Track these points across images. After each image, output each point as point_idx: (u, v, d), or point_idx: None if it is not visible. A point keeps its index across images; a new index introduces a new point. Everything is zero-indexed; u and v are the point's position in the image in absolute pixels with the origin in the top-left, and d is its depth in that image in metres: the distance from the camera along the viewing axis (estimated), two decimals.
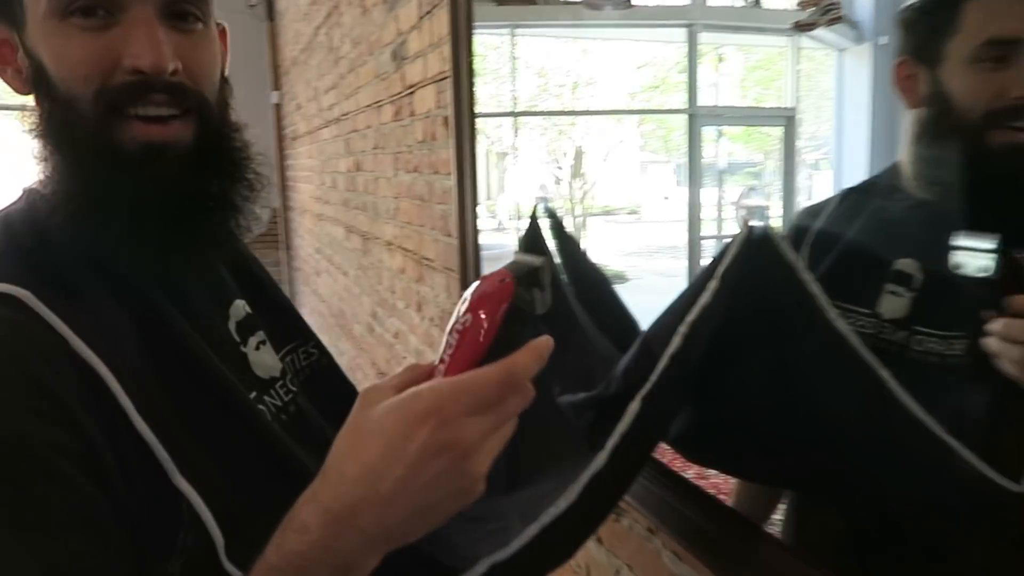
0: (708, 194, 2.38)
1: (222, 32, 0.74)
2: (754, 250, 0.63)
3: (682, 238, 2.26)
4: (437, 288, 2.17)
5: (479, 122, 1.81)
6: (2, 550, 0.49)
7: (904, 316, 0.81)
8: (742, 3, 2.29)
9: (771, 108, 2.16)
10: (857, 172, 1.14)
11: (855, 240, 0.87)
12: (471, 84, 1.75)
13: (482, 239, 1.85)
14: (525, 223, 1.12)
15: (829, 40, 1.32)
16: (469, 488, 0.50)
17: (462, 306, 0.54)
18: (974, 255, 0.68)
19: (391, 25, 2.44)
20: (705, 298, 0.63)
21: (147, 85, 0.63)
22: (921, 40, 0.80)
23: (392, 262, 2.72)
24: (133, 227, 0.64)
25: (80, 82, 0.63)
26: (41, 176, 0.67)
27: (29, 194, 0.68)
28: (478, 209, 1.83)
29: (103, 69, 0.63)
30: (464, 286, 1.84)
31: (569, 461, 0.77)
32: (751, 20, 2.20)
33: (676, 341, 0.63)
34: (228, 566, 0.58)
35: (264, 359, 0.77)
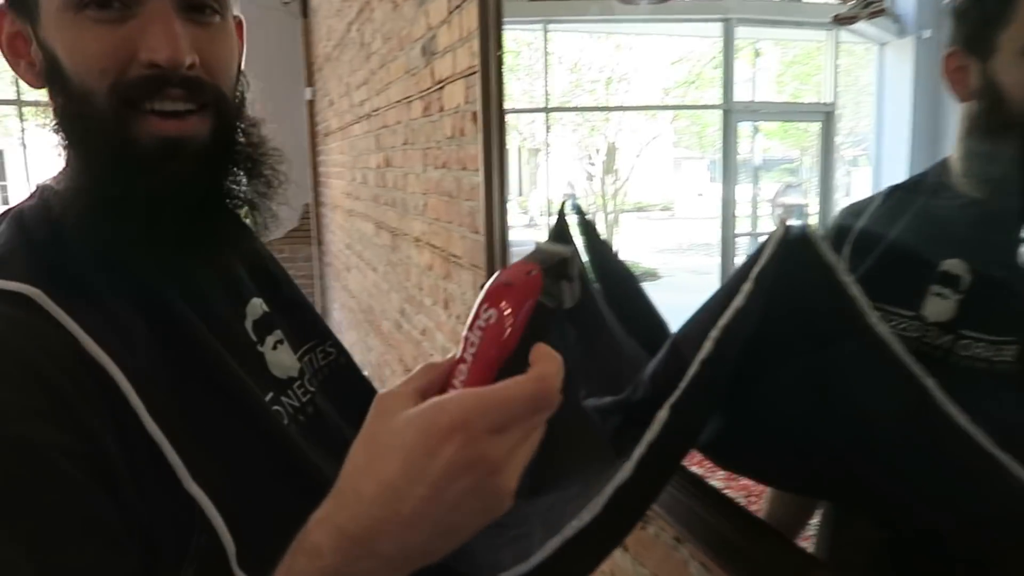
0: (743, 191, 2.34)
1: (238, 25, 0.72)
2: (791, 250, 0.60)
3: (715, 235, 2.24)
4: (464, 285, 2.15)
5: (511, 118, 1.79)
6: (2, 555, 0.47)
7: (950, 319, 0.77)
8: None
9: (809, 103, 2.13)
10: (897, 169, 1.15)
11: (899, 239, 0.83)
12: (500, 79, 1.72)
13: (513, 235, 1.83)
14: (556, 220, 1.09)
15: (870, 34, 1.31)
16: (496, 506, 0.46)
17: (484, 301, 0.49)
18: None
19: (421, 20, 2.42)
20: (739, 301, 0.60)
21: (163, 79, 0.61)
22: (972, 31, 0.77)
23: (420, 258, 2.71)
24: (148, 224, 0.63)
25: (95, 76, 0.61)
26: (55, 172, 0.66)
27: (43, 190, 0.67)
28: (508, 205, 1.81)
29: (119, 63, 0.61)
30: None
31: (594, 466, 0.74)
32: (789, 14, 2.16)
33: (708, 346, 0.60)
34: (240, 574, 0.57)
35: (281, 359, 0.75)
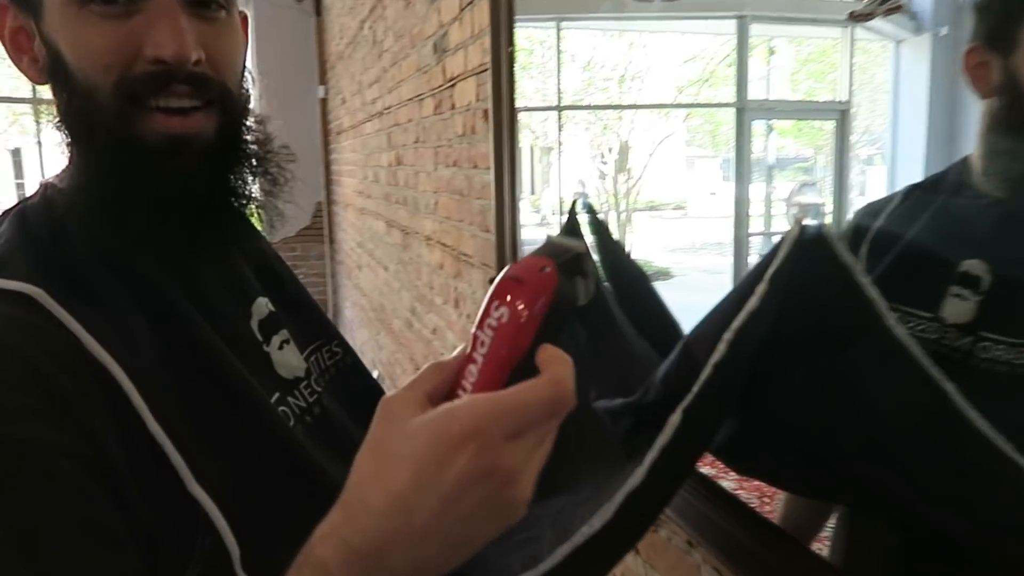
0: (756, 190, 2.32)
1: (243, 20, 0.71)
2: (806, 251, 0.58)
3: (728, 234, 2.21)
4: (475, 284, 2.14)
5: (524, 116, 1.78)
6: (1, 560, 0.47)
7: (969, 321, 0.76)
8: None
9: (824, 102, 2.11)
10: (913, 168, 1.14)
11: (918, 239, 0.82)
12: (511, 76, 1.71)
13: (525, 234, 1.82)
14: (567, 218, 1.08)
15: (886, 31, 1.29)
16: (511, 515, 0.44)
17: (495, 297, 0.46)
18: None
19: (433, 17, 2.41)
20: (753, 303, 0.58)
21: (169, 75, 0.61)
22: (994, 26, 0.75)
23: (431, 257, 2.71)
24: (153, 223, 0.62)
25: (100, 72, 0.60)
26: (59, 170, 0.65)
27: (46, 188, 0.66)
28: (520, 204, 1.80)
29: (123, 58, 0.60)
30: None
31: (605, 469, 0.73)
32: (805, 11, 2.14)
33: (721, 348, 0.59)
34: None
35: (288, 359, 0.74)
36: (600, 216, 1.08)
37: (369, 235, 4.36)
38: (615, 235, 1.07)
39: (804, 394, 0.69)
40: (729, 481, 1.02)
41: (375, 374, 4.18)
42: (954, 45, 1.05)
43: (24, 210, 0.65)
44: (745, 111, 2.43)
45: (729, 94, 2.63)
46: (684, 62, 3.15)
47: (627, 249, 1.10)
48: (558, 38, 2.93)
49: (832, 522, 1.00)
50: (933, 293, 0.78)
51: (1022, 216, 0.73)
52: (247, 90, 0.69)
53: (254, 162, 0.69)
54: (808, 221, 0.57)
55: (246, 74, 0.69)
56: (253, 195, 0.69)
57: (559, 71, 2.97)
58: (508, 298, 0.45)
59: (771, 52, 2.53)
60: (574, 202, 1.08)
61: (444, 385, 0.47)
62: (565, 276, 0.47)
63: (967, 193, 0.79)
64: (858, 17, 1.39)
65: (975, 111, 0.78)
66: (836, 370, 0.65)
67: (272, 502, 0.61)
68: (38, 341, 0.54)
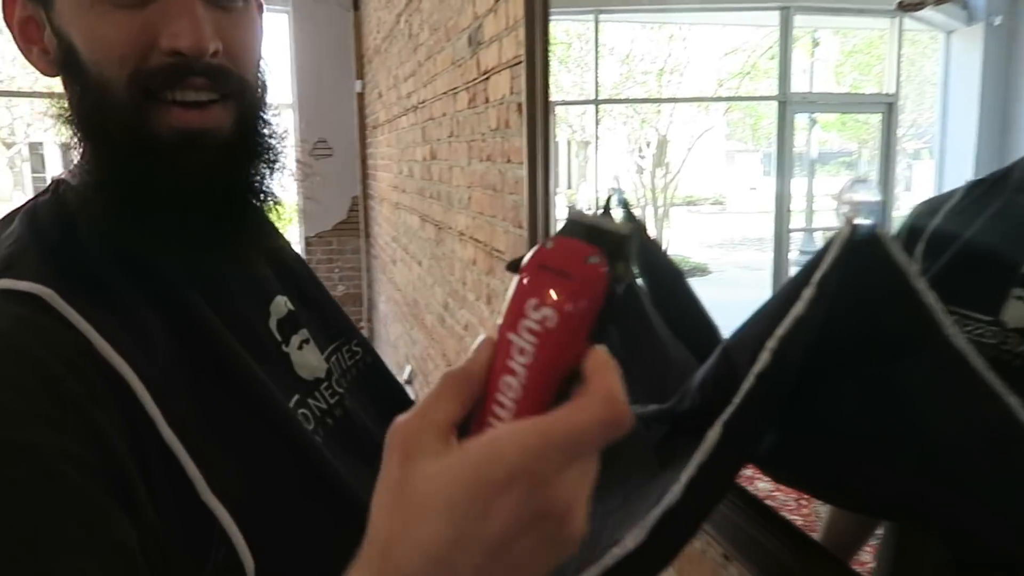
0: (798, 184, 2.27)
1: (259, 7, 0.68)
2: (858, 253, 0.54)
3: (769, 230, 2.17)
4: (507, 281, 2.11)
5: (561, 111, 1.75)
6: (4, 572, 0.45)
7: None
8: None
9: (870, 94, 2.06)
10: (963, 162, 1.12)
11: (979, 238, 0.77)
12: (546, 69, 1.67)
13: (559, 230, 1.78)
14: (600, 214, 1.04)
15: (937, 21, 1.27)
16: (565, 553, 0.37)
17: (531, 292, 0.37)
18: None
19: (468, 9, 2.39)
20: (799, 308, 0.54)
21: (186, 67, 0.58)
22: None
23: (464, 253, 2.68)
24: (170, 221, 0.60)
25: (114, 64, 0.58)
26: (70, 166, 0.63)
27: (58, 185, 0.65)
28: (555, 199, 1.77)
29: (139, 50, 0.58)
30: None
31: (636, 479, 0.70)
32: (851, 1, 2.09)
33: (764, 357, 0.55)
34: None
35: (308, 359, 0.72)
36: (635, 211, 1.04)
37: (403, 230, 4.36)
38: (650, 231, 1.04)
39: (853, 406, 0.65)
40: (764, 483, 0.98)
41: (408, 369, 4.19)
42: (1008, 35, 1.02)
43: (35, 208, 0.63)
44: (788, 104, 2.38)
45: (771, 87, 2.57)
46: (725, 55, 3.09)
47: (663, 246, 1.06)
48: (596, 31, 2.89)
49: (879, 534, 0.96)
50: (994, 295, 0.74)
51: None
52: (264, 81, 0.67)
53: (272, 156, 0.66)
54: (860, 220, 0.53)
55: (263, 65, 0.67)
56: (271, 191, 0.66)
57: (597, 64, 2.93)
58: (553, 296, 0.37)
59: (815, 44, 2.47)
60: (608, 197, 1.05)
61: (469, 402, 0.38)
62: (612, 267, 0.39)
63: None
64: (908, 7, 1.36)
65: None
66: (889, 381, 0.61)
67: (289, 513, 0.59)
68: (46, 343, 0.52)
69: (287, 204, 0.70)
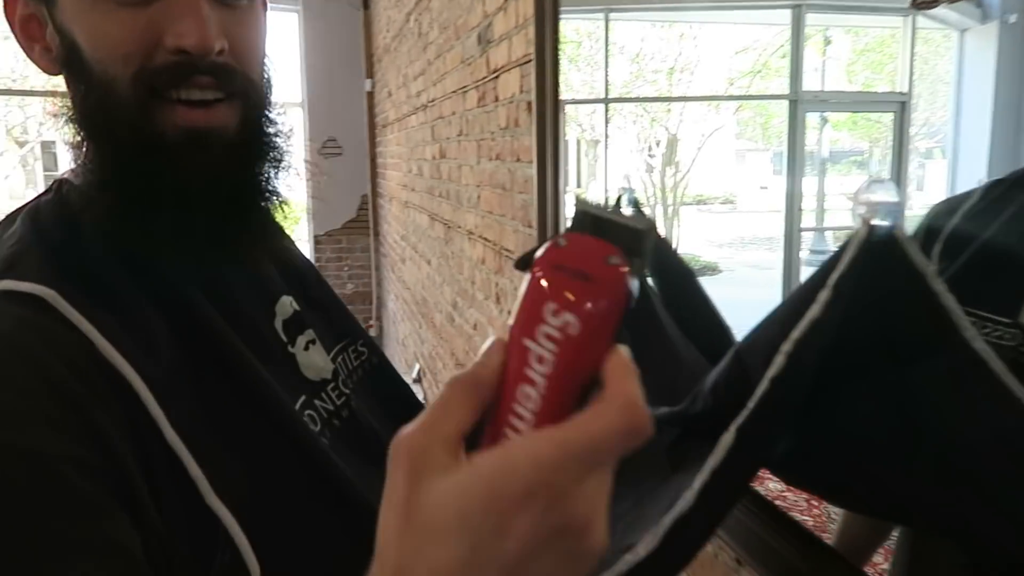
0: (808, 183, 2.26)
1: (263, 4, 0.68)
2: (875, 255, 0.53)
3: (779, 229, 2.16)
4: (517, 281, 2.10)
5: (571, 109, 1.73)
6: (5, 574, 0.44)
7: None
8: None
9: (882, 93, 2.04)
10: (976, 161, 1.11)
11: (997, 239, 0.75)
12: (556, 67, 1.66)
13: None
14: None
15: (950, 19, 1.25)
16: (587, 566, 0.35)
17: (552, 297, 0.35)
18: None
19: (478, 7, 2.38)
20: (814, 311, 0.53)
21: (191, 66, 0.57)
22: None
23: (473, 252, 2.68)
24: (176, 222, 0.59)
25: (118, 62, 0.57)
26: (73, 166, 0.62)
27: (60, 185, 0.64)
28: (565, 198, 1.75)
29: (144, 48, 0.57)
30: None
31: (648, 483, 0.69)
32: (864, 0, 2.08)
33: (779, 361, 0.54)
34: None
35: (314, 360, 0.71)
36: (646, 211, 1.03)
37: (412, 228, 4.35)
38: (660, 230, 1.02)
39: (868, 408, 0.63)
40: (775, 483, 0.97)
41: (416, 367, 4.19)
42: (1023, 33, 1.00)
43: (37, 207, 0.62)
44: (799, 103, 2.36)
45: (782, 86, 2.56)
46: (736, 53, 3.07)
47: (674, 245, 1.05)
48: (606, 29, 2.87)
49: (894, 537, 0.95)
50: (1013, 297, 0.73)
51: None
52: (269, 79, 0.66)
53: (277, 155, 0.66)
54: (878, 221, 0.52)
55: (267, 62, 0.66)
56: (277, 190, 0.66)
57: (606, 63, 2.92)
58: (575, 301, 0.34)
59: (827, 42, 2.46)
60: (619, 197, 1.04)
61: (479, 409, 0.36)
62: (633, 267, 0.36)
63: None
64: (921, 4, 1.35)
65: None
66: (905, 383, 0.60)
67: (294, 516, 0.58)
68: (48, 344, 0.51)
69: (295, 203, 0.69)
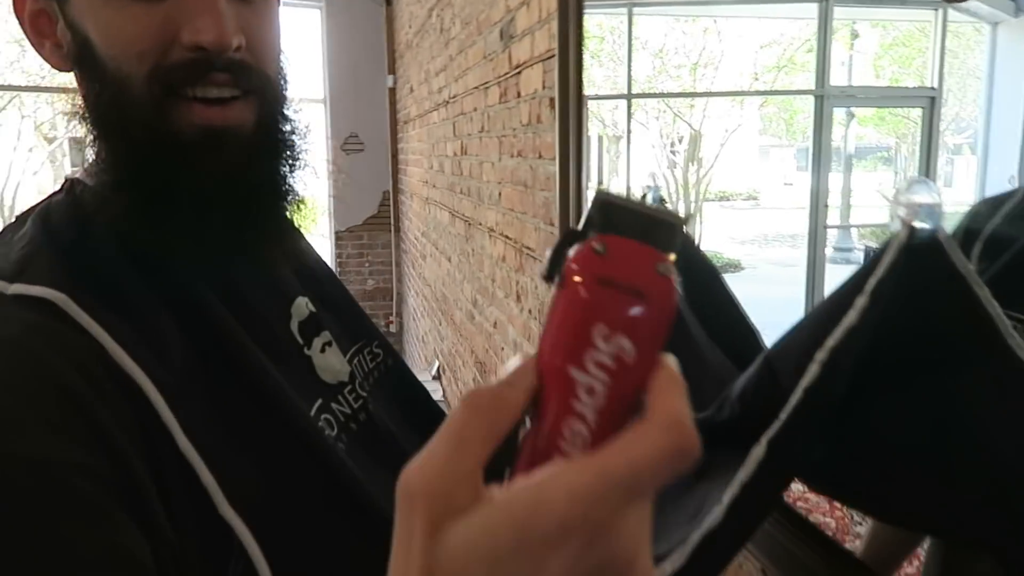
0: (834, 180, 2.23)
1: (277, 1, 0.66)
2: (915, 259, 0.51)
3: (803, 226, 2.13)
4: (538, 279, 2.09)
5: (593, 105, 1.71)
6: None
7: None
8: None
9: (911, 88, 2.01)
10: (1007, 158, 1.09)
11: None
12: (579, 62, 1.63)
13: None
14: None
15: (982, 12, 1.24)
16: None
17: (601, 319, 0.30)
18: None
19: (500, 2, 2.36)
20: (851, 318, 0.50)
21: (208, 63, 0.56)
22: None
23: (493, 249, 2.66)
24: (192, 223, 0.57)
25: (133, 59, 0.56)
26: (86, 165, 0.61)
27: (72, 184, 0.62)
28: (587, 195, 1.73)
29: (159, 45, 0.55)
30: None
31: (670, 492, 0.67)
32: None
33: (813, 370, 0.51)
34: None
35: (331, 362, 0.69)
36: (670, 208, 1.01)
37: (433, 225, 4.35)
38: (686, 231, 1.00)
39: (908, 419, 0.61)
40: (796, 483, 0.95)
41: (435, 364, 4.18)
42: None
43: (48, 208, 0.61)
44: (825, 98, 2.33)
45: (807, 81, 2.52)
46: (760, 48, 3.03)
47: (696, 241, 1.03)
48: (630, 24, 2.85)
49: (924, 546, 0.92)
50: None
51: None
52: (285, 76, 0.64)
53: (294, 153, 0.64)
54: (919, 224, 0.49)
55: (283, 59, 0.64)
56: (294, 189, 0.64)
57: (629, 58, 2.89)
58: (631, 324, 0.30)
59: (854, 36, 2.42)
60: (643, 195, 1.01)
61: (500, 438, 0.31)
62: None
63: None
64: None
65: None
66: (945, 390, 0.57)
67: (309, 525, 0.57)
68: (59, 349, 0.50)
69: (315, 200, 0.67)
